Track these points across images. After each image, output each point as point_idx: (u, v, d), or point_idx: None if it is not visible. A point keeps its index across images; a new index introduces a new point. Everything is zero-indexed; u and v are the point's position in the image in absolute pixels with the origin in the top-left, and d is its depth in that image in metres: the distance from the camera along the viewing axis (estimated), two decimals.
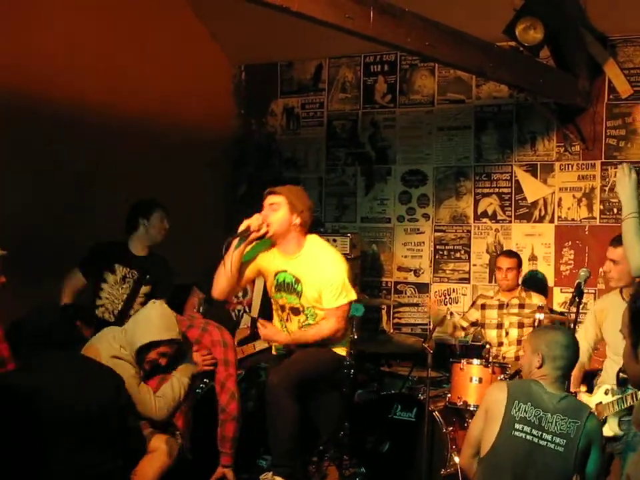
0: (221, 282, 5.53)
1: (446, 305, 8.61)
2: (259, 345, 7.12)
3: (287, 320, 5.72)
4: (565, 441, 4.35)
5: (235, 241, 5.36)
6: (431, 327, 7.75)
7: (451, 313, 8.08)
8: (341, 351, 5.78)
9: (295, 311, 5.68)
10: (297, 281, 5.58)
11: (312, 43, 8.62)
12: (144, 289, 6.58)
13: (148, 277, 6.56)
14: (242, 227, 5.39)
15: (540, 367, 4.54)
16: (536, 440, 4.37)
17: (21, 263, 6.43)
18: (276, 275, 5.67)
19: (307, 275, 5.54)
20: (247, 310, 7.35)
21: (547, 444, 4.36)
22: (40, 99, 7.00)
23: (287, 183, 9.05)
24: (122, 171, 7.68)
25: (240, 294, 7.38)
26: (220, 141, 9.40)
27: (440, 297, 8.59)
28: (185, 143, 8.51)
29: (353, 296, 5.61)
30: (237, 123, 9.68)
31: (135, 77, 8.00)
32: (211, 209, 9.12)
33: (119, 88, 7.80)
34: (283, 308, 5.73)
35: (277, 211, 5.48)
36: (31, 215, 6.84)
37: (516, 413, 4.41)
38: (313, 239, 5.70)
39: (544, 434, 4.37)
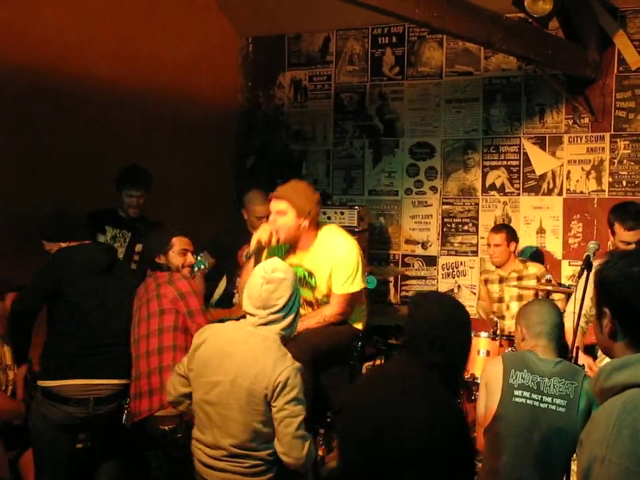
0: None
1: (453, 278, 8.62)
2: None
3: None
4: (565, 401, 4.43)
5: (251, 258, 5.43)
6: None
7: (459, 287, 8.07)
8: (358, 325, 5.79)
9: (309, 304, 5.70)
10: (311, 275, 5.59)
11: (320, 15, 8.60)
12: (138, 247, 6.65)
13: (141, 236, 6.62)
14: (253, 244, 5.45)
15: (524, 339, 4.71)
16: (537, 403, 4.44)
17: (26, 232, 6.47)
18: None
19: (320, 266, 5.55)
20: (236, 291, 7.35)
21: (547, 406, 4.44)
22: (48, 71, 6.99)
23: (294, 156, 9.21)
24: (130, 143, 7.68)
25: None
26: (228, 113, 9.40)
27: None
28: (193, 115, 8.52)
29: (359, 287, 5.59)
30: (244, 96, 9.66)
31: (143, 49, 7.98)
32: (219, 181, 9.12)
33: (127, 60, 7.79)
34: None
35: (285, 216, 5.45)
36: (38, 186, 6.85)
37: (514, 380, 4.49)
38: (326, 230, 5.69)
39: (544, 397, 4.44)
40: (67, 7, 7.21)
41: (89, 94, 7.37)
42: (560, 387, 4.46)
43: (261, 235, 5.45)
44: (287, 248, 5.66)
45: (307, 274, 5.60)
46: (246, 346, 4.31)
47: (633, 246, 5.87)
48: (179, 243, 5.54)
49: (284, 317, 4.36)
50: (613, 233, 6.09)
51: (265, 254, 5.51)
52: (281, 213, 5.45)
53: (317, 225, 5.64)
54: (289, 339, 4.50)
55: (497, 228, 7.77)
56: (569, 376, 4.52)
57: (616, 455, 2.31)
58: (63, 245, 5.49)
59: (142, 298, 5.38)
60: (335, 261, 5.51)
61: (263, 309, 4.33)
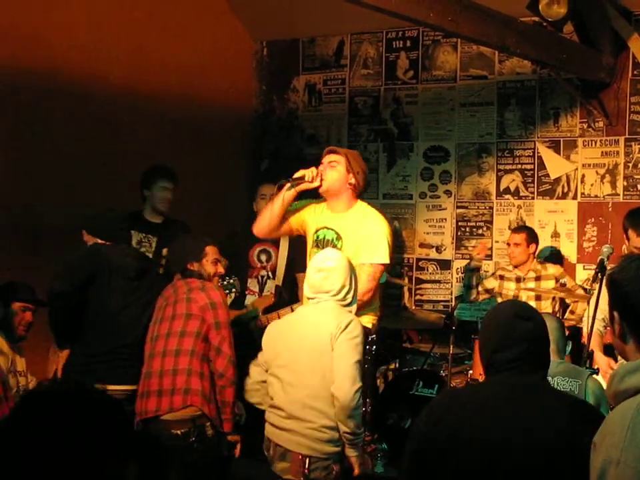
0: (263, 220, 5.84)
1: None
2: (284, 313, 7.09)
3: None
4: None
5: (287, 185, 5.63)
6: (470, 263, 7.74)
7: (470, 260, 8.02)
8: (368, 320, 5.73)
9: None
10: (338, 237, 5.70)
11: (334, 18, 8.60)
12: (164, 251, 6.67)
13: (167, 240, 6.65)
14: (297, 175, 5.62)
15: None
16: None
17: (42, 236, 6.50)
18: (317, 231, 5.80)
19: (350, 232, 5.66)
20: (271, 276, 7.32)
21: None
22: (60, 75, 7.03)
23: (309, 159, 9.20)
24: (144, 147, 7.70)
25: (264, 258, 7.37)
26: (242, 117, 9.41)
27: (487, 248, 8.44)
28: (206, 119, 8.53)
29: (387, 260, 5.69)
30: (258, 100, 9.67)
31: (156, 53, 8.01)
32: (233, 185, 9.13)
33: (140, 64, 7.82)
34: None
35: (335, 168, 5.67)
36: (51, 188, 6.88)
37: None
38: (364, 204, 5.88)
39: None
40: (79, 10, 7.25)
41: (101, 97, 7.40)
42: (564, 385, 4.51)
43: (307, 171, 5.62)
44: (318, 201, 5.88)
45: (335, 236, 5.72)
46: (309, 314, 4.85)
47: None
48: (212, 252, 5.61)
49: (343, 298, 4.82)
50: (628, 239, 6.09)
51: (294, 194, 5.72)
52: (332, 164, 5.69)
53: (358, 196, 5.81)
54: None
55: (518, 228, 7.81)
56: (573, 374, 4.59)
57: (631, 458, 2.30)
58: (100, 241, 5.53)
59: (169, 298, 5.37)
60: (368, 229, 5.66)
61: (320, 293, 4.78)
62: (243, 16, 9.15)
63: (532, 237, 7.63)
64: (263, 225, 5.87)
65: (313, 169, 5.65)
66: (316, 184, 5.63)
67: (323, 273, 4.76)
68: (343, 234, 5.68)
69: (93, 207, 6.43)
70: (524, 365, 3.28)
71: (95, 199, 6.89)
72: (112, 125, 7.48)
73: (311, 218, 5.86)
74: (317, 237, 5.79)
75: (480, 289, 7.75)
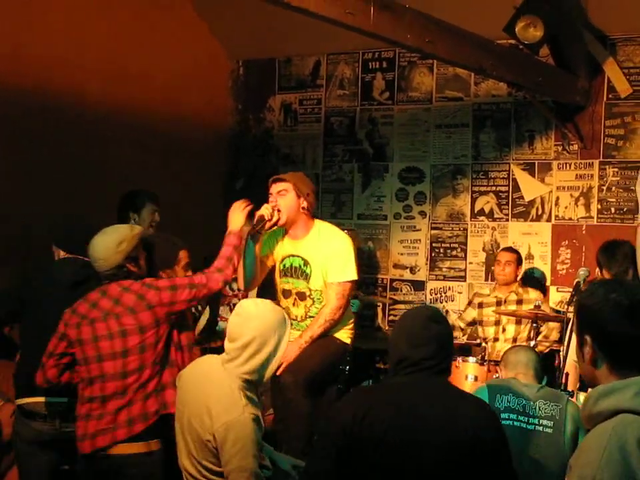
0: (245, 275, 5.66)
1: (441, 303, 8.61)
2: None
3: (294, 305, 5.75)
4: (552, 422, 4.51)
5: (252, 234, 5.53)
6: None
7: (447, 312, 8.07)
8: (345, 336, 5.79)
9: (301, 296, 5.72)
10: (306, 263, 5.66)
11: (310, 39, 8.62)
12: None
13: None
14: (257, 219, 5.49)
15: (505, 375, 4.93)
16: (524, 425, 4.48)
17: (20, 253, 6.45)
18: (283, 260, 5.76)
19: (315, 254, 5.64)
20: None
21: (534, 427, 4.50)
22: (38, 89, 7.00)
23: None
24: (120, 165, 7.67)
25: (235, 286, 7.34)
26: (218, 135, 9.40)
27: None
28: (183, 136, 8.52)
29: (355, 276, 5.67)
30: (234, 118, 9.67)
31: (133, 71, 8.00)
32: (208, 204, 9.09)
33: (117, 81, 7.80)
34: (288, 293, 5.76)
35: (285, 196, 5.62)
36: (28, 204, 6.83)
37: (500, 404, 4.52)
38: (321, 223, 5.88)
39: (530, 419, 4.49)
40: (57, 25, 7.23)
41: (78, 112, 7.38)
42: (545, 409, 4.51)
43: (263, 211, 5.50)
44: (281, 235, 5.79)
45: (302, 263, 5.68)
46: (206, 383, 4.16)
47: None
48: (184, 256, 5.22)
49: (247, 359, 4.10)
50: (602, 273, 6.11)
51: (264, 237, 5.70)
52: (281, 193, 5.62)
53: (312, 216, 5.79)
54: (259, 385, 4.28)
55: (509, 248, 7.85)
56: (553, 398, 4.60)
57: (607, 477, 2.33)
58: (62, 253, 5.44)
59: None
60: (332, 249, 5.63)
61: (229, 342, 4.15)
62: (220, 34, 9.15)
63: (520, 258, 7.71)
64: (248, 279, 5.72)
65: (266, 205, 5.56)
66: (275, 218, 5.54)
67: (240, 317, 4.14)
68: (310, 259, 5.66)
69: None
70: (434, 364, 3.53)
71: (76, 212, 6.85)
72: (89, 139, 7.45)
73: (276, 248, 5.84)
74: (284, 265, 5.77)
75: (462, 324, 7.78)
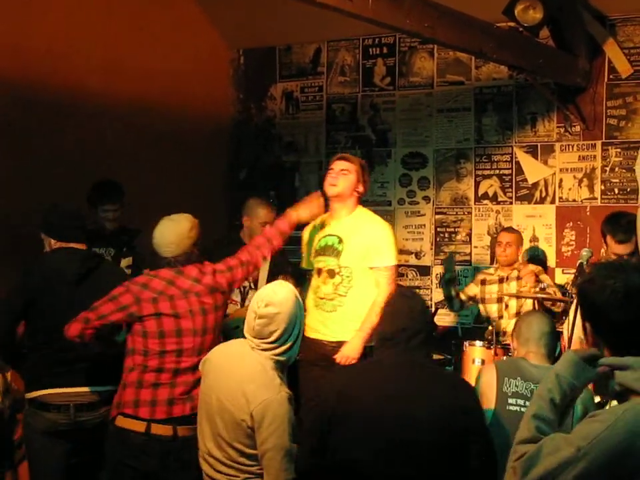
0: None
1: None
2: None
3: (324, 283, 5.85)
4: None
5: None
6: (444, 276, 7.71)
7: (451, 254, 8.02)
8: None
9: (331, 273, 5.80)
10: (340, 241, 5.78)
11: (310, 26, 8.60)
12: (124, 262, 6.65)
13: (125, 249, 6.62)
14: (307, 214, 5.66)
15: (516, 350, 4.83)
16: None
17: (20, 246, 6.46)
18: (319, 240, 5.92)
19: (352, 234, 5.78)
20: (253, 286, 7.32)
21: None
22: (38, 85, 7.00)
23: (286, 168, 9.21)
24: (121, 156, 7.68)
25: None
26: (219, 126, 9.40)
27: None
28: (184, 128, 8.51)
29: (396, 261, 5.84)
30: (236, 108, 9.66)
31: (133, 63, 7.98)
32: (211, 194, 9.11)
33: (117, 73, 7.80)
34: (319, 272, 5.88)
35: (346, 176, 5.81)
36: (29, 200, 6.82)
37: (507, 389, 4.49)
38: (364, 209, 6.01)
39: None
40: (56, 20, 7.22)
41: (78, 107, 7.37)
42: None
43: (314, 209, 5.68)
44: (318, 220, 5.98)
45: (337, 240, 5.80)
46: (239, 365, 4.32)
47: (626, 259, 5.89)
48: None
49: (280, 345, 4.32)
50: (606, 244, 6.11)
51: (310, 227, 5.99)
52: (343, 172, 5.82)
53: (359, 201, 5.96)
54: (287, 363, 4.47)
55: (510, 229, 7.86)
56: None
57: (597, 451, 2.36)
58: (53, 242, 5.42)
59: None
60: (374, 233, 5.79)
61: (257, 339, 4.33)
62: (219, 24, 9.14)
63: (521, 239, 7.74)
64: None
65: (319, 202, 5.72)
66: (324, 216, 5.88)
67: (264, 319, 4.27)
68: (345, 237, 5.79)
69: None
70: (408, 337, 3.86)
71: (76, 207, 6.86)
72: (90, 135, 7.45)
73: (312, 233, 6.02)
74: (320, 245, 5.90)
75: (462, 297, 7.76)
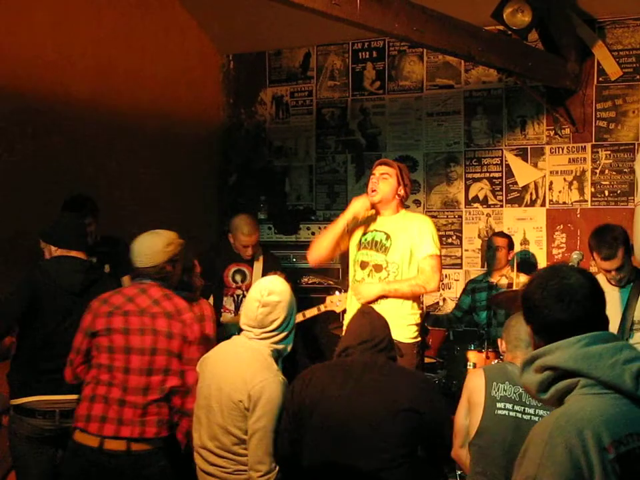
0: (316, 251, 6.14)
1: (438, 291, 8.60)
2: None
3: (369, 276, 5.99)
4: (547, 412, 4.40)
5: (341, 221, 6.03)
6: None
7: (444, 299, 8.07)
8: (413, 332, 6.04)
9: (378, 268, 5.95)
10: (387, 237, 5.95)
11: (300, 31, 8.62)
12: (106, 268, 6.63)
13: (105, 258, 6.60)
14: (349, 215, 6.00)
15: (505, 353, 4.77)
16: (520, 415, 4.43)
17: (12, 254, 6.44)
18: (365, 233, 6.06)
19: (399, 231, 5.96)
20: (246, 295, 7.33)
21: (530, 417, 4.42)
22: (28, 92, 6.97)
23: (277, 172, 9.22)
24: (111, 162, 7.67)
25: (238, 278, 7.40)
26: (210, 131, 9.40)
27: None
28: (174, 133, 8.52)
29: (439, 252, 6.05)
30: (226, 113, 9.65)
31: (123, 69, 7.97)
32: (202, 199, 9.12)
33: (106, 80, 7.78)
34: (365, 265, 6.00)
35: (387, 180, 5.98)
36: (19, 208, 6.81)
37: (496, 393, 4.48)
38: (408, 211, 6.31)
39: (526, 408, 4.44)
40: (45, 27, 7.19)
41: (69, 114, 7.35)
42: None
43: (358, 208, 5.98)
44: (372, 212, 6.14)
45: (384, 237, 5.96)
46: (235, 355, 4.49)
47: (614, 273, 5.92)
48: (198, 265, 5.66)
49: (278, 334, 4.51)
50: (594, 259, 6.12)
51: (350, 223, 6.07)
52: (384, 176, 5.98)
53: (403, 203, 6.17)
54: (284, 352, 4.62)
55: (500, 233, 7.90)
56: None
57: (546, 475, 2.36)
58: (53, 249, 5.42)
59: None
60: (420, 225, 5.98)
61: (258, 328, 4.49)
62: (209, 30, 9.14)
63: (511, 243, 7.75)
64: (315, 255, 6.17)
65: (364, 202, 5.97)
66: (369, 212, 6.04)
67: (267, 307, 4.48)
68: (392, 234, 5.95)
69: None
70: (373, 345, 4.32)
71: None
72: (79, 141, 7.43)
73: (359, 226, 6.14)
74: (366, 238, 6.05)
75: (458, 314, 7.80)
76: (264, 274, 7.22)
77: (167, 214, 8.08)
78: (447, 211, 8.61)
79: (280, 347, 4.54)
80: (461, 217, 8.56)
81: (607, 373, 2.44)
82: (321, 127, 9.23)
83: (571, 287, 2.62)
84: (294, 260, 8.55)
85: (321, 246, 6.09)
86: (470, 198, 8.52)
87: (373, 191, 5.96)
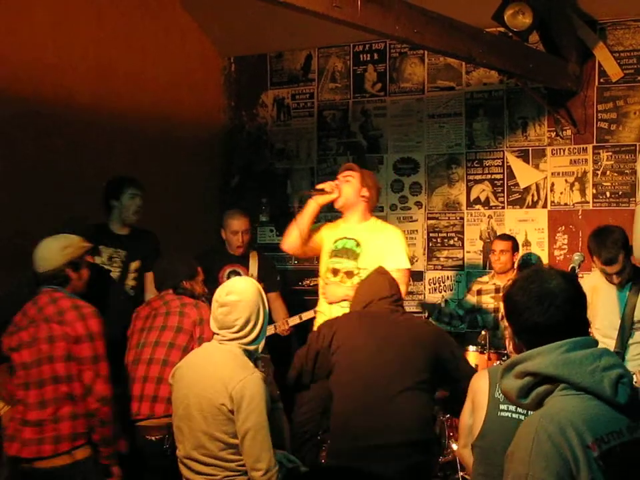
0: (292, 235, 6.22)
1: (440, 292, 8.61)
2: (292, 321, 7.49)
3: (341, 282, 6.08)
4: None
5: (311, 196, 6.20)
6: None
7: (446, 300, 8.07)
8: None
9: (349, 274, 6.05)
10: (358, 244, 6.05)
11: (301, 33, 8.62)
12: (133, 265, 6.65)
13: (136, 253, 6.61)
14: (319, 186, 6.20)
15: (511, 352, 4.72)
16: (522, 417, 4.40)
17: (14, 256, 6.44)
18: (336, 241, 6.15)
19: (368, 238, 6.06)
20: None
21: None
22: (29, 95, 6.97)
23: (278, 174, 9.23)
24: (112, 165, 7.65)
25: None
26: (211, 133, 9.40)
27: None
28: (176, 136, 8.51)
29: (410, 265, 6.15)
30: (227, 115, 9.65)
31: (123, 72, 7.97)
32: (203, 202, 9.11)
33: (107, 82, 7.78)
34: (337, 272, 6.10)
35: (350, 182, 6.14)
36: (20, 210, 6.81)
37: (499, 395, 4.46)
38: (378, 220, 6.39)
39: (529, 411, 4.41)
40: (45, 30, 7.19)
41: (70, 116, 7.34)
42: None
43: (325, 185, 6.17)
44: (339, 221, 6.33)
45: (355, 244, 6.07)
46: (209, 360, 4.48)
47: (614, 277, 5.93)
48: (201, 273, 5.77)
49: (247, 334, 4.52)
50: (594, 262, 6.12)
51: (317, 210, 6.22)
52: (347, 178, 6.17)
53: (371, 212, 6.31)
54: (255, 353, 4.64)
55: (504, 236, 7.86)
56: None
57: (538, 470, 2.43)
58: None
59: (159, 308, 5.43)
60: (388, 237, 6.11)
61: (224, 329, 4.50)
62: (210, 32, 9.14)
63: (516, 245, 7.73)
64: (293, 239, 6.25)
65: (331, 182, 6.17)
66: (335, 195, 6.11)
67: (226, 307, 4.49)
68: (362, 241, 6.05)
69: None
70: (388, 297, 5.20)
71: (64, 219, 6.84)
72: (80, 144, 7.43)
73: (328, 233, 6.26)
74: (336, 246, 6.14)
75: (460, 312, 7.77)
76: (259, 274, 7.30)
77: (168, 216, 8.09)
78: (449, 213, 8.61)
79: (251, 347, 4.55)
80: (462, 218, 8.56)
81: (587, 379, 2.50)
82: (323, 129, 9.23)
83: (551, 291, 2.66)
84: (295, 262, 8.56)
85: (293, 232, 6.21)
86: (471, 199, 8.52)
87: (339, 191, 6.13)
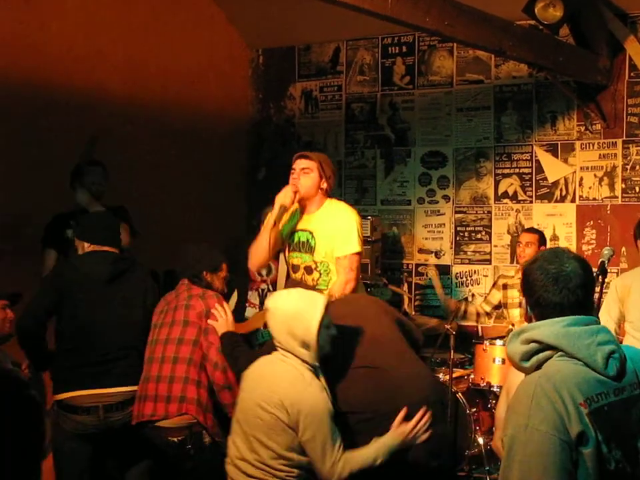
0: (256, 257, 5.82)
1: (467, 286, 8.59)
2: None
3: (302, 280, 5.80)
4: None
5: (271, 219, 5.61)
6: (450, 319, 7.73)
7: (472, 295, 8.04)
8: None
9: (309, 270, 5.77)
10: (312, 236, 5.72)
11: (329, 25, 8.61)
12: None
13: None
14: (276, 208, 5.56)
15: None
16: None
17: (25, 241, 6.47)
18: (292, 235, 5.83)
19: (321, 227, 5.70)
20: (272, 289, 7.35)
21: None
22: (58, 86, 7.02)
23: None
24: (140, 156, 7.69)
25: (264, 272, 7.41)
26: (238, 126, 9.41)
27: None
28: (203, 128, 8.53)
29: (358, 248, 5.66)
30: (255, 108, 9.66)
31: (152, 63, 8.01)
32: (230, 193, 9.13)
33: (136, 74, 7.82)
34: (296, 268, 5.83)
35: (309, 175, 5.68)
36: (51, 199, 6.84)
37: None
38: (332, 200, 5.90)
39: None
40: (76, 21, 7.24)
41: (99, 107, 7.38)
42: None
43: (284, 199, 5.57)
44: (298, 217, 5.85)
45: (310, 236, 5.75)
46: (271, 370, 4.40)
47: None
48: (225, 269, 5.62)
49: (298, 349, 4.36)
50: (637, 248, 6.10)
51: (284, 218, 5.71)
52: (305, 171, 5.69)
53: (326, 195, 5.83)
54: (320, 362, 4.45)
55: (531, 229, 7.78)
56: None
57: (537, 422, 2.66)
58: (87, 245, 5.46)
59: (170, 303, 5.36)
60: (337, 223, 5.68)
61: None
62: (238, 24, 9.15)
63: (543, 239, 7.62)
64: (259, 259, 5.88)
65: (286, 191, 5.62)
66: (295, 206, 5.71)
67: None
68: (316, 232, 5.72)
69: None
70: None
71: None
72: (110, 135, 7.45)
73: (286, 227, 5.87)
74: (293, 240, 5.84)
75: (487, 309, 7.72)
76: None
77: (195, 209, 8.11)
78: (477, 207, 8.58)
79: (309, 360, 4.37)
80: (490, 212, 8.53)
81: (583, 351, 2.78)
82: (350, 122, 9.22)
83: (567, 275, 2.88)
84: None
85: (259, 250, 5.77)
86: (499, 193, 8.49)
87: (296, 193, 5.62)
